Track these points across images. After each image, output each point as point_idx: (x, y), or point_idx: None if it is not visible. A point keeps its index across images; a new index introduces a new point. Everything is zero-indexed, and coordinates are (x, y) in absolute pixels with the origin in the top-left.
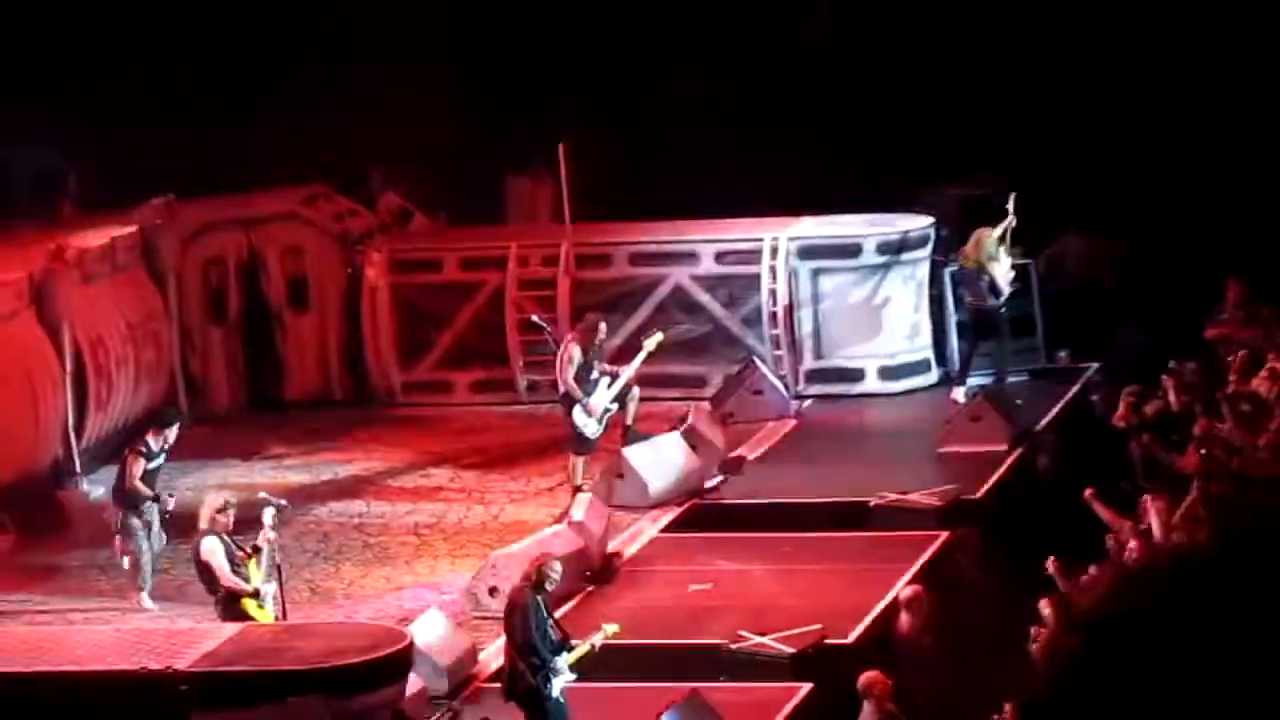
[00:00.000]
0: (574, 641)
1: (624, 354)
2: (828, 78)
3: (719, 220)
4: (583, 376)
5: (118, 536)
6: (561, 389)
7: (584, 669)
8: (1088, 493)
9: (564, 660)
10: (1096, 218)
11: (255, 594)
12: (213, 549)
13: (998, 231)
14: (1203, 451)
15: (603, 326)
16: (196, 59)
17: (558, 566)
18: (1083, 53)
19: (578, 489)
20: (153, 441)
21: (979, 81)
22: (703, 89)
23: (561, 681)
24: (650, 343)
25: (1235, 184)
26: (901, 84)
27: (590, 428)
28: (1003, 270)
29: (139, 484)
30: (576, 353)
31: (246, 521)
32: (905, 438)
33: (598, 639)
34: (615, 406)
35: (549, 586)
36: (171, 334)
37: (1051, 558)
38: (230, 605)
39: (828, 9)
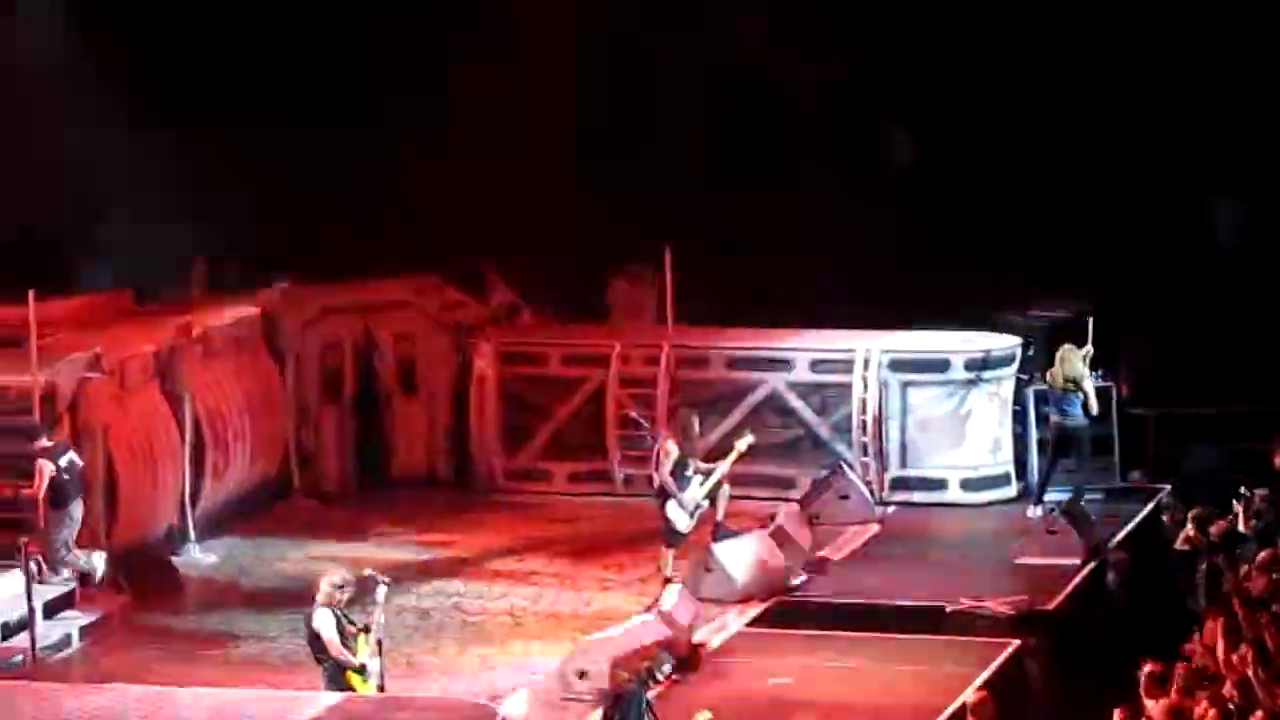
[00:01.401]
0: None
1: (716, 453)
2: (914, 203)
3: (814, 330)
4: (678, 472)
5: None
6: (657, 483)
7: None
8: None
9: None
10: (1176, 344)
11: (362, 669)
12: (326, 622)
13: (1083, 351)
14: (1274, 575)
15: (696, 423)
16: (322, 148)
17: (668, 664)
18: (1156, 178)
19: (667, 580)
20: None
21: (1058, 205)
22: (800, 209)
23: None
24: (742, 443)
25: None
26: (984, 208)
27: (683, 522)
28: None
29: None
30: (673, 449)
31: (354, 597)
32: (983, 547)
33: None
34: (707, 503)
35: (658, 678)
36: (287, 411)
37: (1147, 664)
38: (335, 676)
39: (911, 137)
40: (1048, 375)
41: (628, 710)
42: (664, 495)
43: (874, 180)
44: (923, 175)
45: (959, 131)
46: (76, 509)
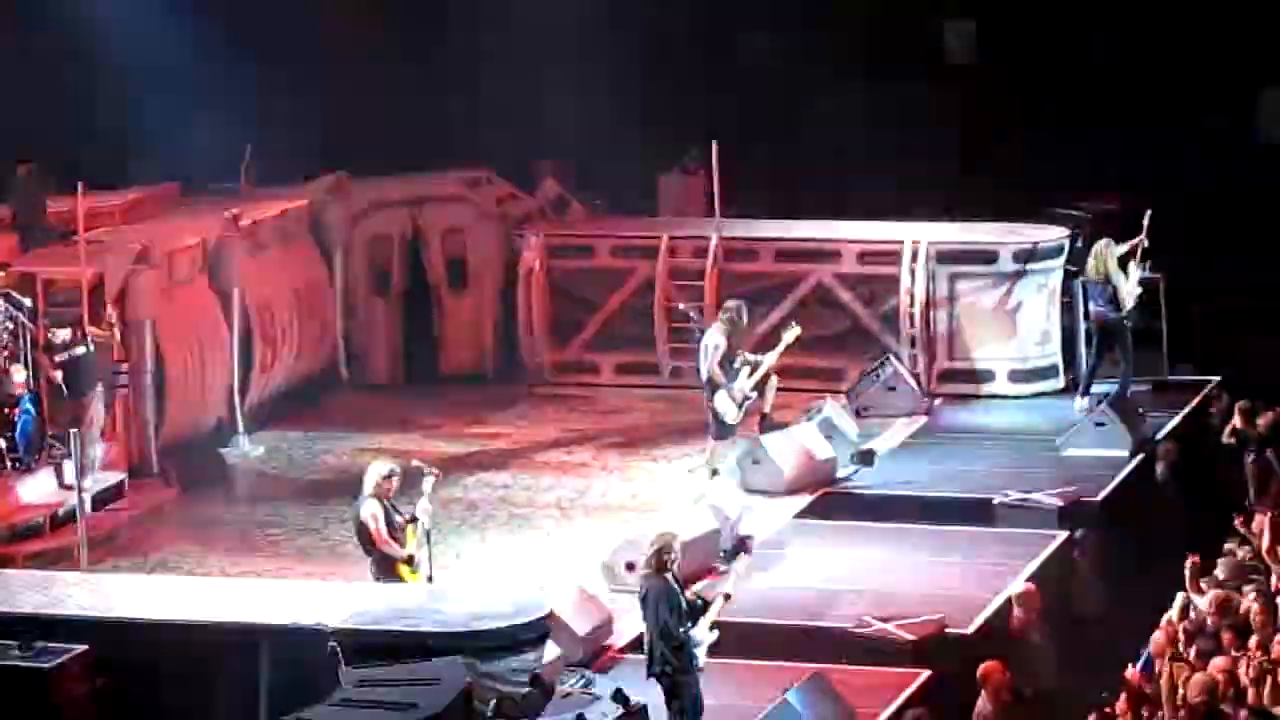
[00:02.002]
0: (708, 600)
1: (764, 345)
2: (972, 97)
3: (862, 222)
4: (725, 364)
5: None
6: (705, 375)
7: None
8: (1191, 564)
9: (703, 626)
10: (1226, 238)
11: (409, 560)
12: (374, 513)
13: (1124, 247)
14: None
15: (744, 314)
16: (375, 44)
17: (675, 545)
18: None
19: (714, 472)
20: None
21: (1117, 101)
22: (857, 99)
23: (704, 649)
24: (789, 335)
25: None
26: (1041, 104)
27: (731, 413)
28: (1129, 285)
29: None
30: (721, 340)
31: (402, 488)
32: (1031, 439)
33: (729, 585)
34: (755, 394)
35: (674, 566)
36: (335, 305)
37: (1193, 557)
38: (383, 567)
39: (973, 33)
40: (1086, 269)
41: (659, 605)
42: (712, 387)
43: (931, 73)
44: (977, 68)
45: (1013, 24)
46: (91, 402)
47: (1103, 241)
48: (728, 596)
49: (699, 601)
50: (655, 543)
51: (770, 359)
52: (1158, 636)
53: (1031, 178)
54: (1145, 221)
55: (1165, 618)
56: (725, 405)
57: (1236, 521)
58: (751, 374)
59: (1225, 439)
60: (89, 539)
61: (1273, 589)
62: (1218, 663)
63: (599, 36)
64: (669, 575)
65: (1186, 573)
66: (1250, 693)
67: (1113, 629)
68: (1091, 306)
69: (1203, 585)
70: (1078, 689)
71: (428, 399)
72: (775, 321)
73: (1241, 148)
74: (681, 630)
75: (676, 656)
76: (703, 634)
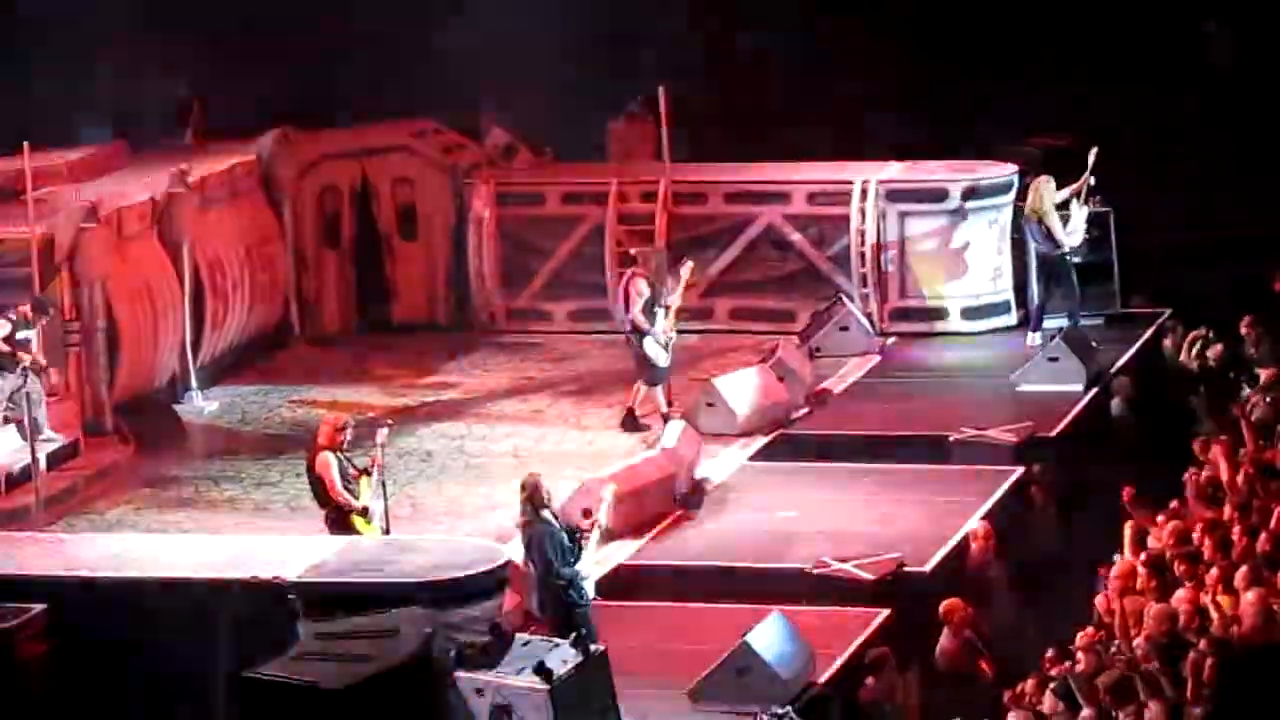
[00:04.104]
0: (584, 534)
1: (718, 288)
2: (915, 41)
3: (811, 163)
4: (649, 310)
5: None
6: (629, 323)
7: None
8: (1126, 495)
9: (587, 559)
10: (1172, 171)
11: (364, 511)
12: (328, 463)
13: (1069, 189)
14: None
15: (665, 260)
16: None
17: (543, 484)
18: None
19: (665, 416)
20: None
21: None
22: (800, 44)
23: (591, 581)
24: (684, 270)
25: None
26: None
27: (661, 357)
28: (1075, 221)
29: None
30: (645, 288)
31: (356, 440)
32: (985, 376)
33: (602, 514)
34: (675, 334)
35: (549, 504)
36: (286, 258)
37: (1128, 489)
38: (339, 520)
39: None
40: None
41: (541, 547)
42: (639, 334)
43: (874, 23)
44: (921, 15)
45: None
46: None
47: (1041, 179)
48: (588, 513)
49: (578, 534)
50: (525, 487)
51: (675, 296)
52: (1114, 569)
53: (980, 117)
54: (1090, 159)
55: (1118, 553)
56: (654, 350)
57: (1195, 446)
58: (667, 315)
59: (1182, 365)
60: (44, 498)
61: (1227, 517)
62: (1180, 594)
63: None
64: (546, 514)
65: (1126, 503)
66: (1214, 621)
67: (1069, 564)
68: (1032, 244)
69: (1158, 518)
70: (1036, 624)
71: (380, 350)
72: (725, 264)
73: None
74: (568, 569)
75: (567, 593)
76: (588, 567)
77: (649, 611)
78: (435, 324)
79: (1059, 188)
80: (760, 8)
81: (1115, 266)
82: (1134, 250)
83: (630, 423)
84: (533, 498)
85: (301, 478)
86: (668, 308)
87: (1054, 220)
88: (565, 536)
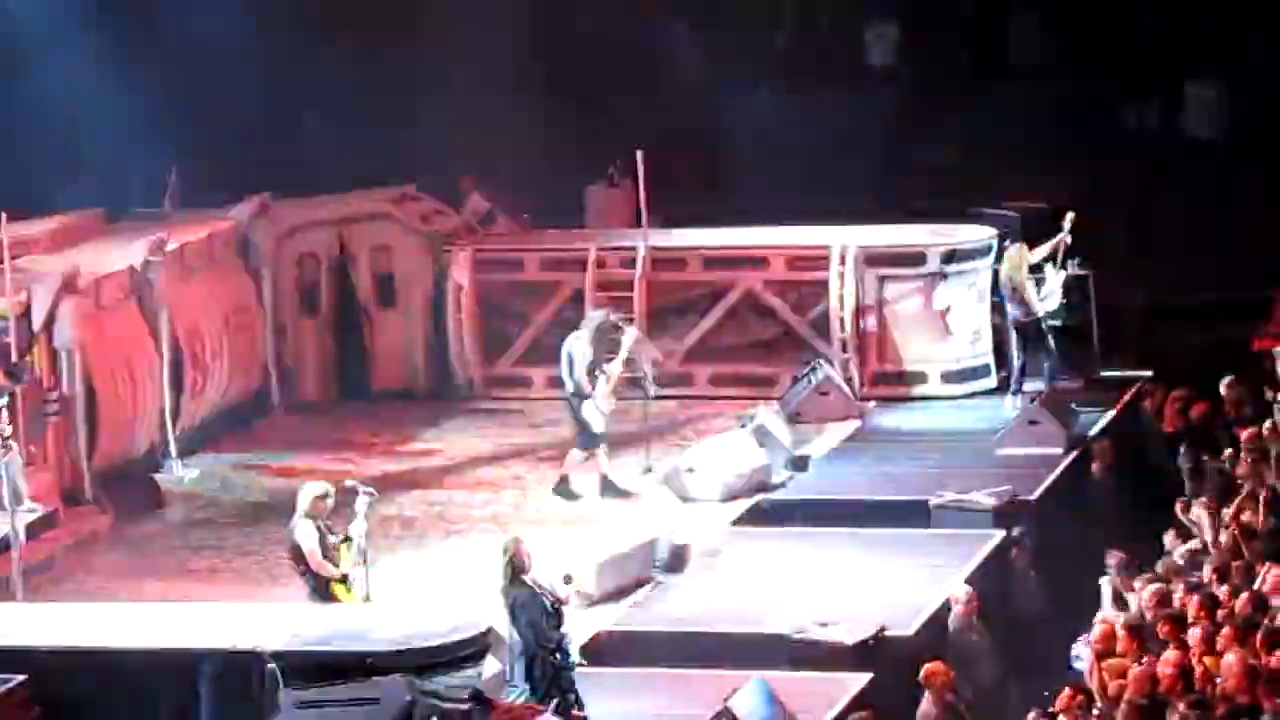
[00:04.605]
0: (564, 600)
1: (699, 353)
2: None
3: (790, 227)
4: (591, 374)
5: None
6: (570, 387)
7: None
8: (1114, 560)
9: (568, 622)
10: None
11: (344, 579)
12: (308, 533)
13: (1045, 248)
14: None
15: (610, 325)
16: (298, 59)
17: (522, 548)
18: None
19: (604, 479)
20: None
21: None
22: (778, 110)
23: (575, 645)
24: (627, 338)
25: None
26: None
27: (598, 423)
28: (1051, 284)
29: None
30: (588, 350)
31: (337, 508)
32: (965, 440)
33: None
34: (615, 401)
35: (529, 569)
36: (265, 326)
37: (1116, 554)
38: (319, 588)
39: (893, 39)
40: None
41: (527, 612)
42: (580, 398)
43: (851, 78)
44: (900, 72)
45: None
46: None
47: (1014, 247)
48: (569, 579)
49: (557, 598)
50: (506, 551)
51: (616, 367)
52: (1094, 632)
53: (956, 179)
54: (1066, 223)
55: (1099, 615)
56: (592, 415)
57: (1178, 507)
58: (608, 380)
59: (1165, 428)
60: (24, 569)
61: (1208, 579)
62: (1168, 656)
63: (520, 50)
64: (527, 580)
65: (1111, 567)
66: (1196, 685)
67: (1051, 627)
68: (1009, 310)
69: (1136, 583)
70: (1018, 688)
71: (360, 418)
72: (706, 330)
73: (1168, 143)
74: (554, 632)
75: (554, 656)
76: (571, 629)
77: (631, 677)
78: (415, 391)
79: (1034, 247)
80: (737, 74)
81: (1094, 329)
82: (1113, 312)
83: (564, 490)
84: (513, 562)
85: (282, 546)
86: (606, 375)
87: (1028, 288)
88: (547, 602)
